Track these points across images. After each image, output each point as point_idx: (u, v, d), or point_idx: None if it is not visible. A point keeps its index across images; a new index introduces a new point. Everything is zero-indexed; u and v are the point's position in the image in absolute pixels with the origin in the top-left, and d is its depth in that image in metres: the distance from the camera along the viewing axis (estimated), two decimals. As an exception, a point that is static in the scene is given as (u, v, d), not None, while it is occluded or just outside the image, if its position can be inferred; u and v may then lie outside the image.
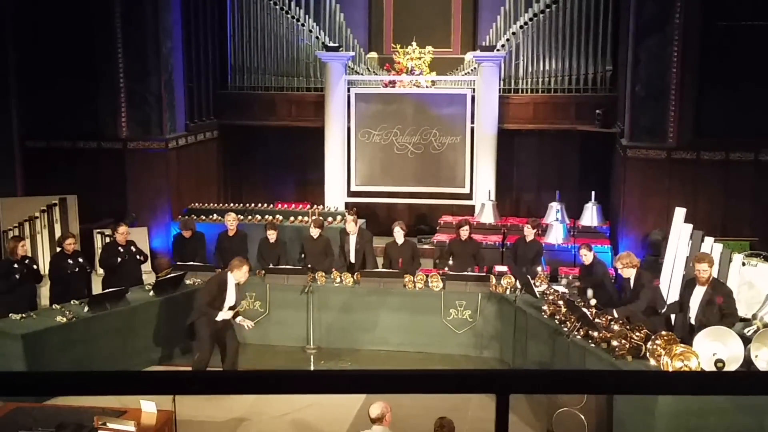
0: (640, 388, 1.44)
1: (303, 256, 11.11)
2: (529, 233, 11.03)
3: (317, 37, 15.51)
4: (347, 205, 14.84)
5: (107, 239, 12.13)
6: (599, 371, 1.44)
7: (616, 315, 8.30)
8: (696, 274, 8.10)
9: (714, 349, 7.36)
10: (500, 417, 1.39)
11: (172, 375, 1.45)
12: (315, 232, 11.19)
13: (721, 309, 7.89)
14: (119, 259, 10.45)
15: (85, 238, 12.71)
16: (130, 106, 13.71)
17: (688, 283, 8.27)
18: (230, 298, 9.00)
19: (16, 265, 9.76)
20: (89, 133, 13.79)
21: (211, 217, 13.72)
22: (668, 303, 8.81)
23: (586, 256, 9.98)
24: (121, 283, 10.09)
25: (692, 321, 8.05)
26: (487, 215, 13.40)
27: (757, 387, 1.42)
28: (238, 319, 9.18)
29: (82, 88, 13.64)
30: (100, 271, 11.24)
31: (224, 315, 8.98)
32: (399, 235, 11.00)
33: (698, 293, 8.05)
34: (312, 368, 9.88)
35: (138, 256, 10.76)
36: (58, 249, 10.39)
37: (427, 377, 1.38)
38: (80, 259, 10.24)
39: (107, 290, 9.93)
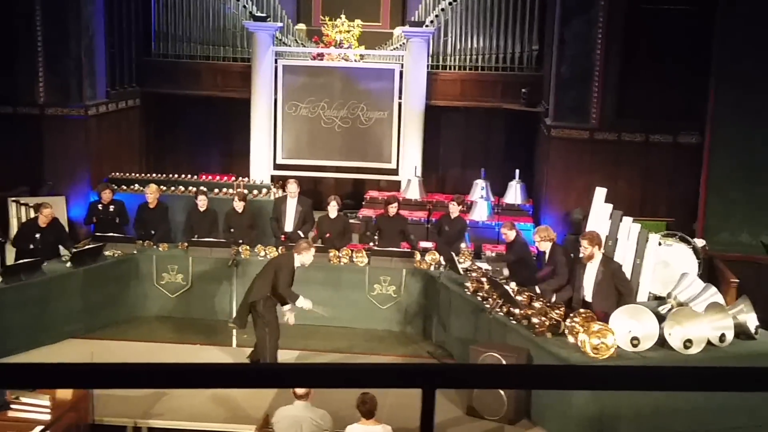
0: (558, 383, 1.45)
1: (231, 230, 10.97)
2: (454, 210, 11.08)
3: (244, 6, 15.23)
4: (273, 178, 14.70)
5: (31, 211, 11.70)
6: (522, 366, 1.44)
7: (538, 291, 8.46)
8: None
9: (629, 326, 7.56)
10: (426, 411, 1.38)
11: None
12: (239, 206, 11.06)
13: (617, 285, 8.13)
14: (31, 246, 10.09)
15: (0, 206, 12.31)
16: (48, 71, 13.26)
17: (580, 261, 8.47)
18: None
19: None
20: (4, 97, 13.28)
21: (132, 187, 13.41)
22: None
23: (507, 235, 10.03)
24: (37, 255, 9.80)
25: (587, 298, 8.26)
26: (413, 191, 13.48)
27: (677, 382, 1.45)
28: (287, 307, 8.86)
29: (-3, 51, 13.14)
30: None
31: (303, 303, 8.77)
32: (333, 209, 10.93)
33: (591, 271, 8.27)
34: (234, 342, 9.79)
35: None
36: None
37: (351, 372, 1.36)
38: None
39: (22, 261, 9.63)
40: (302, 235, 10.75)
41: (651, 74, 12.59)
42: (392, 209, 11.03)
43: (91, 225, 11.43)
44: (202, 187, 12.53)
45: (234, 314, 10.04)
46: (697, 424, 7.63)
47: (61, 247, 10.43)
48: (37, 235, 10.12)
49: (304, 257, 8.72)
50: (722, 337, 7.68)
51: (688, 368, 1.45)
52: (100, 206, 11.27)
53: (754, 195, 11.64)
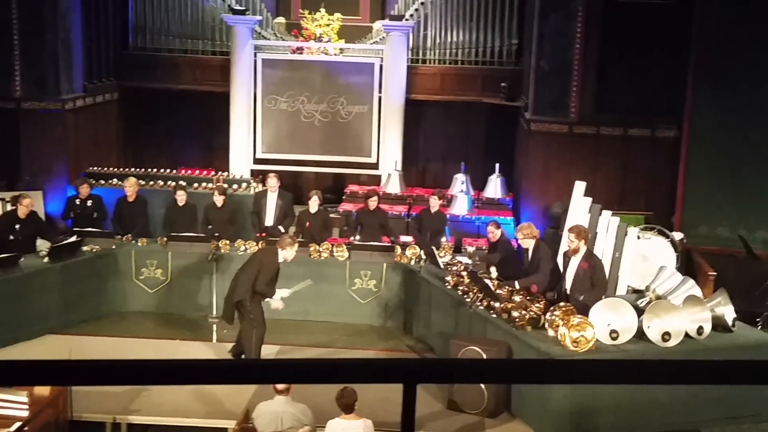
0: (539, 377, 1.45)
1: (209, 226, 10.92)
2: (435, 204, 11.09)
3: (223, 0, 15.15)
4: (252, 173, 14.64)
5: (8, 205, 11.60)
6: (501, 361, 1.44)
7: (517, 286, 8.48)
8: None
9: (609, 319, 7.60)
10: (407, 406, 1.38)
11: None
12: (219, 200, 11.02)
13: (591, 278, 8.16)
14: (11, 237, 9.99)
15: (-24, 202, 12.19)
16: (24, 65, 13.12)
17: (565, 254, 8.50)
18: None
19: None
20: (-20, 91, 13.16)
21: (110, 181, 13.30)
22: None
23: (493, 234, 9.96)
24: (14, 250, 9.70)
25: (568, 291, 8.31)
26: (393, 185, 13.48)
27: (657, 376, 1.45)
28: (275, 297, 8.80)
29: (-28, 45, 12.99)
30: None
31: (283, 294, 8.74)
32: (314, 204, 10.90)
33: (573, 264, 8.30)
34: (214, 337, 9.76)
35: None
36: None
37: (331, 367, 1.36)
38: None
39: (-1, 256, 9.54)
40: (282, 230, 10.72)
41: (629, 69, 12.66)
42: (372, 203, 11.02)
43: (69, 220, 11.34)
44: (181, 182, 12.45)
45: (215, 310, 10.03)
46: (675, 417, 7.70)
47: (38, 242, 10.34)
48: (17, 226, 10.04)
49: (287, 253, 8.68)
50: (700, 330, 7.74)
51: (665, 362, 1.45)
52: (77, 201, 11.19)
53: (731, 188, 11.74)
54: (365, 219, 11.05)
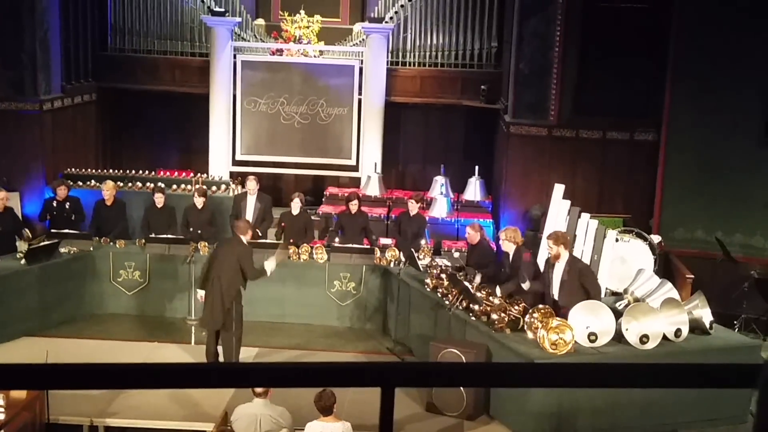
0: (518, 380, 1.45)
1: (191, 227, 10.87)
2: (413, 208, 11.07)
3: (203, 1, 15.08)
4: (232, 174, 14.59)
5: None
6: (480, 364, 1.44)
7: (499, 293, 8.44)
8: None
9: (587, 322, 7.64)
10: (385, 409, 1.38)
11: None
12: (199, 201, 10.97)
13: (584, 285, 8.13)
14: None
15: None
16: (1, 65, 13.00)
17: (548, 261, 8.47)
18: None
19: None
20: (-44, 91, 13.03)
21: (88, 183, 13.19)
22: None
23: (470, 236, 9.85)
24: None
25: (555, 297, 8.28)
26: (372, 188, 13.46)
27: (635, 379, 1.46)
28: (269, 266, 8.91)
29: (-52, 44, 12.86)
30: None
31: (269, 266, 8.83)
32: (296, 206, 10.88)
33: (558, 271, 8.28)
34: (193, 339, 9.71)
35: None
36: None
37: (309, 371, 1.35)
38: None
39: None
40: (260, 234, 10.72)
41: (608, 72, 12.72)
42: (353, 206, 11.01)
43: (46, 221, 11.25)
44: (160, 184, 12.38)
45: (193, 312, 9.94)
46: (653, 418, 7.74)
47: (17, 243, 10.26)
48: None
49: (248, 237, 8.96)
50: (678, 332, 7.80)
51: (644, 365, 1.46)
52: (55, 203, 11.10)
53: (709, 192, 11.83)
54: (346, 222, 11.03)
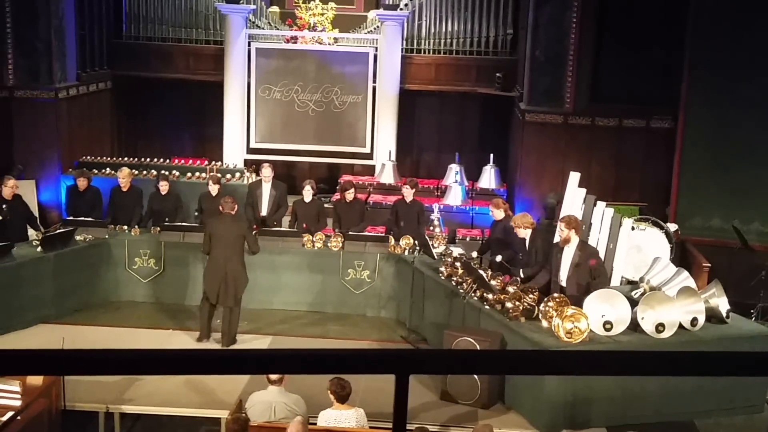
0: (533, 368, 1.44)
1: (196, 213, 10.90)
2: (408, 194, 10.85)
3: (217, -12, 15.08)
4: (246, 162, 14.60)
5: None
6: (494, 352, 1.43)
7: (522, 275, 8.45)
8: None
9: (603, 311, 7.60)
10: (399, 397, 1.37)
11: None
12: (214, 189, 10.97)
13: (592, 271, 8.12)
14: (0, 217, 9.96)
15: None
16: (17, 53, 13.06)
17: (557, 245, 8.47)
18: None
19: None
20: (-27, 80, 13.09)
21: (104, 171, 13.26)
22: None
23: (493, 213, 9.82)
24: (6, 238, 9.67)
25: (563, 282, 8.27)
26: (387, 175, 13.43)
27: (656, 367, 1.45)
28: None
29: (-36, 32, 12.91)
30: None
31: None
32: (308, 193, 10.82)
33: (567, 255, 8.26)
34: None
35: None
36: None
37: (324, 358, 1.35)
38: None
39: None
40: (275, 223, 10.75)
41: (625, 59, 12.64)
42: (349, 195, 10.86)
43: (63, 210, 11.30)
44: (163, 172, 12.40)
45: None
46: (668, 408, 7.72)
47: (30, 232, 10.31)
48: (4, 207, 9.99)
49: (234, 214, 9.23)
50: (694, 321, 7.75)
51: (659, 353, 1.45)
52: (75, 193, 11.15)
53: (725, 180, 11.75)
54: (343, 211, 10.91)
